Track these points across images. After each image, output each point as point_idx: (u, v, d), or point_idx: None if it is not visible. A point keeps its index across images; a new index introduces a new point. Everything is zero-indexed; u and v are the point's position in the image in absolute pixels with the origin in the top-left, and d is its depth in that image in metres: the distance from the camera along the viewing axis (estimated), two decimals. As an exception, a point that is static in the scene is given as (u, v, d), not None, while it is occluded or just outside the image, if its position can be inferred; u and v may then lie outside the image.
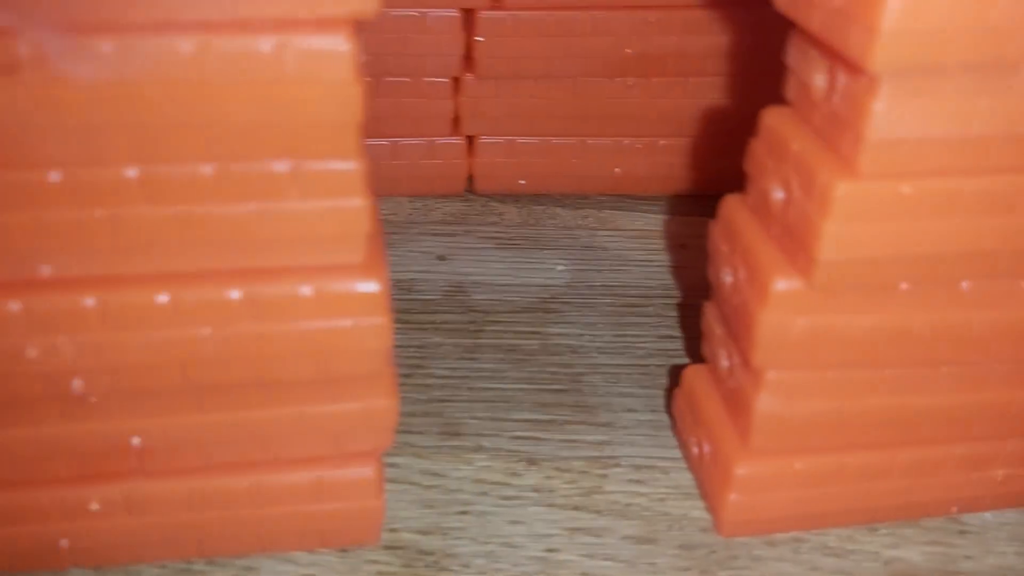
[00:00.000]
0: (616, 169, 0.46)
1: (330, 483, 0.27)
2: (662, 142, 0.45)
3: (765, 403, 0.26)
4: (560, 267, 0.41)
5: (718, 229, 0.28)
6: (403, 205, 0.45)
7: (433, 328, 0.37)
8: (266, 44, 0.20)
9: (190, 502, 0.26)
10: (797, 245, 0.24)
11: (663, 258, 0.42)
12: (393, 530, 0.29)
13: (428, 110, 0.43)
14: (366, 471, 0.27)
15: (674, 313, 0.39)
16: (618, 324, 0.38)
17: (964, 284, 0.25)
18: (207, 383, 0.24)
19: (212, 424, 0.25)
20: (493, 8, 0.40)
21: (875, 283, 0.24)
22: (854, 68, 0.22)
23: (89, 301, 0.22)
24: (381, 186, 0.44)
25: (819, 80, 0.23)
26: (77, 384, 0.23)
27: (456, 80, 0.43)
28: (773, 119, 0.25)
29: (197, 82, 0.20)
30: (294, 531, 0.27)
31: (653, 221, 0.45)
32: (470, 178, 0.46)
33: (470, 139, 0.45)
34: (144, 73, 0.20)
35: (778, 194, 0.25)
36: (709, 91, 0.44)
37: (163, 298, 0.23)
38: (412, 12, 0.40)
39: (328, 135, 0.21)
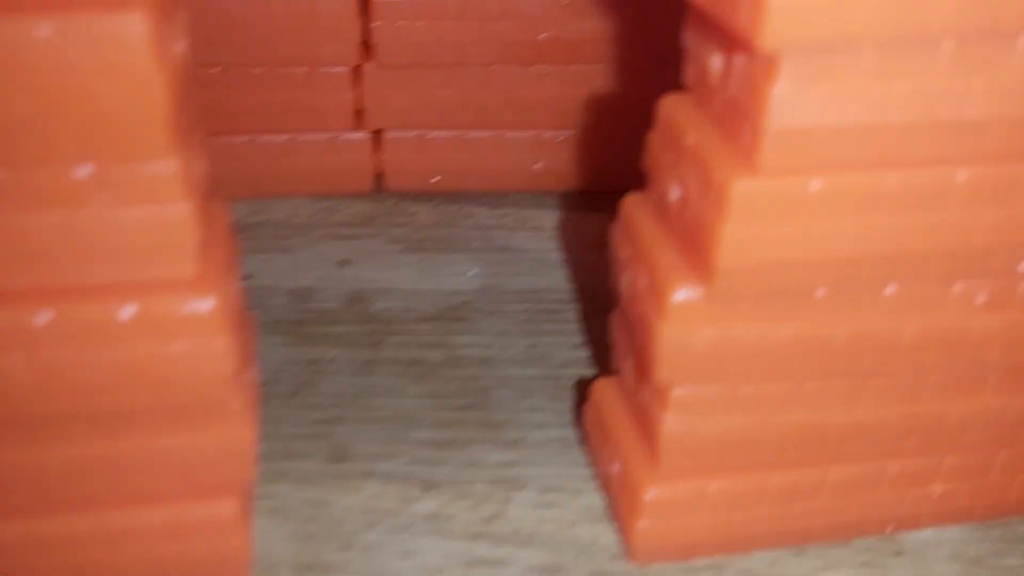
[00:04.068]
0: (537, 164, 0.43)
1: (186, 522, 0.24)
2: (585, 134, 0.42)
3: (672, 422, 0.23)
4: (472, 271, 0.38)
5: (618, 231, 0.25)
6: (305, 206, 0.42)
7: (329, 341, 0.34)
8: (44, 28, 0.17)
9: (25, 547, 0.23)
10: (696, 250, 0.21)
11: (586, 259, 0.39)
12: (267, 568, 0.26)
13: (327, 102, 0.40)
14: (226, 507, 0.24)
15: (594, 319, 0.36)
16: (532, 332, 0.35)
17: (888, 289, 0.22)
18: (27, 415, 0.21)
19: (42, 460, 0.22)
20: (391, -10, 0.37)
21: (786, 290, 0.21)
22: (748, 48, 0.19)
23: None
24: (280, 186, 0.42)
25: (715, 63, 0.21)
26: None
27: (356, 69, 0.39)
28: (670, 109, 0.22)
29: (-33, 72, 0.17)
30: (152, 575, 0.24)
31: (575, 218, 0.42)
32: (380, 176, 0.43)
33: (376, 133, 0.41)
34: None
35: (675, 193, 0.22)
36: (633, 78, 0.41)
37: (-43, 323, 0.19)
38: (304, -4, 0.37)
39: (132, 133, 0.18)
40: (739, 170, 0.19)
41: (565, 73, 0.40)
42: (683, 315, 0.22)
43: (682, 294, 0.21)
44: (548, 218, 0.42)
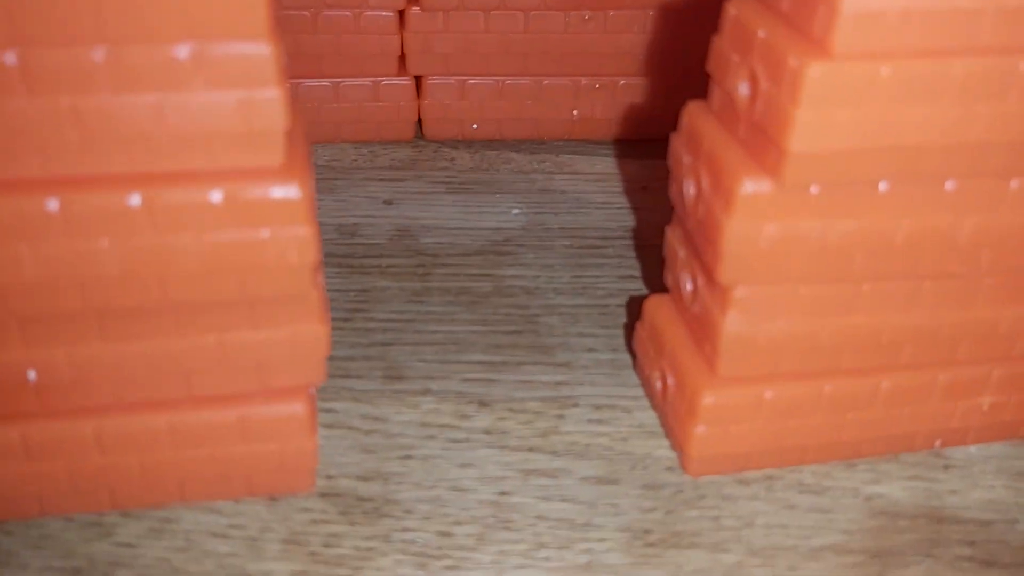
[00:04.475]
0: (574, 112, 0.43)
1: (256, 422, 0.24)
2: (622, 82, 0.43)
3: (733, 323, 0.24)
4: (515, 211, 0.39)
5: (680, 140, 0.26)
6: (347, 151, 0.42)
7: (378, 272, 0.35)
8: (155, -102, 0.17)
9: (98, 445, 0.24)
10: (766, 142, 0.22)
11: (624, 200, 0.40)
12: (329, 477, 0.26)
13: (372, 47, 0.40)
14: (296, 408, 0.24)
15: (634, 254, 0.36)
16: (577, 265, 0.36)
17: (949, 184, 0.23)
18: (108, 306, 0.22)
19: (118, 355, 0.23)
20: (438, -68, 0.38)
21: (851, 182, 0.22)
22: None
23: (-35, 208, 0.20)
24: (323, 131, 0.42)
25: (787, -45, 0.21)
26: (-43, 307, 0.21)
27: (401, 14, 0.40)
28: (737, 8, 0.23)
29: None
30: (217, 477, 0.25)
31: (613, 164, 0.42)
32: (419, 123, 0.43)
33: (418, 80, 0.42)
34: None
35: (744, 90, 0.22)
36: (670, 25, 0.41)
37: (52, 205, 0.20)
38: (352, -62, 0.38)
39: (233, 11, 0.19)
40: (814, 55, 0.20)
41: (606, 19, 0.41)
42: (750, 209, 0.22)
43: (751, 186, 0.22)
44: (586, 163, 0.42)
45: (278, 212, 0.21)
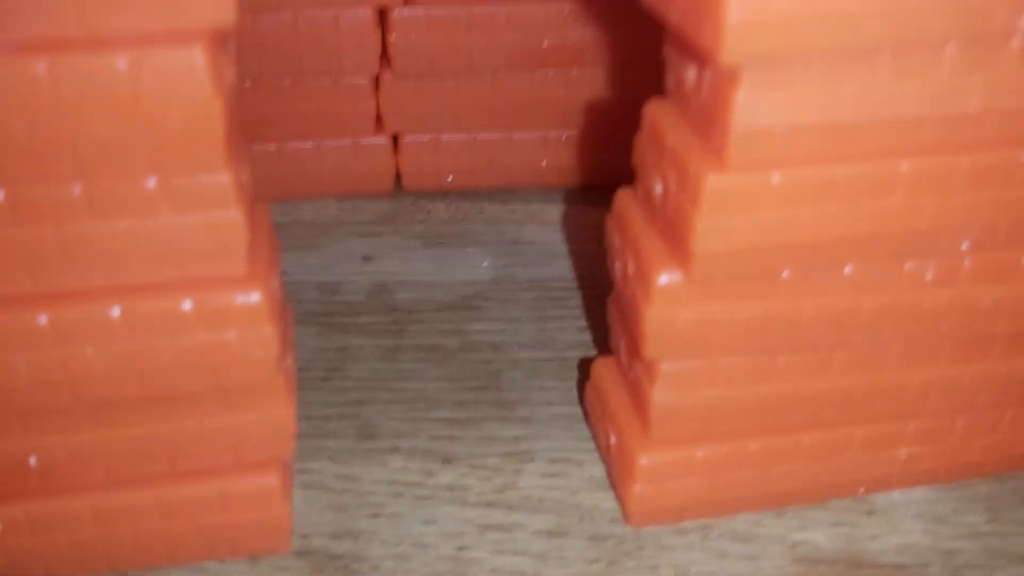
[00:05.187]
0: (543, 162, 0.46)
1: (234, 493, 0.27)
2: (587, 133, 0.45)
3: (661, 394, 0.27)
4: (486, 263, 0.41)
5: (612, 222, 0.28)
6: (330, 207, 0.45)
7: (356, 330, 0.37)
8: (121, 61, 0.20)
9: (95, 518, 0.26)
10: (677, 238, 0.24)
11: (590, 249, 0.42)
12: (305, 536, 0.29)
13: (350, 110, 0.43)
14: (269, 480, 0.27)
15: (596, 304, 0.39)
16: (541, 318, 0.38)
17: (847, 268, 0.25)
18: (99, 400, 0.24)
19: (110, 440, 0.25)
20: (406, 5, 0.40)
21: (756, 272, 0.24)
22: (713, 62, 0.22)
23: (-33, 324, 0.22)
24: (307, 188, 0.45)
25: (690, 74, 0.24)
26: (-37, 407, 0.23)
27: (376, 79, 0.43)
28: (653, 113, 0.25)
29: (54, 102, 0.20)
30: (202, 542, 0.28)
31: (580, 212, 0.45)
32: (398, 176, 0.46)
33: (395, 137, 0.45)
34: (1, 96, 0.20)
35: (659, 187, 0.25)
36: (627, 81, 0.44)
37: (43, 319, 0.23)
38: (326, 13, 0.40)
39: (193, 149, 0.21)
40: (711, 166, 0.23)
41: (567, 77, 0.43)
42: (667, 297, 0.25)
43: (665, 278, 0.24)
44: (554, 212, 0.45)
45: (242, 316, 0.24)
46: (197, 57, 0.20)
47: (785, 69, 0.22)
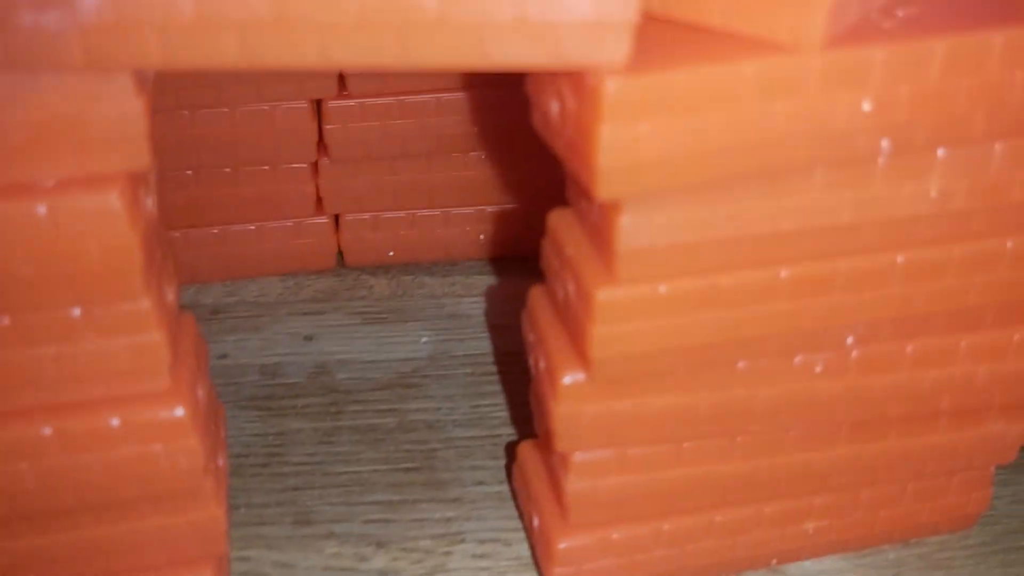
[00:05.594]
0: (481, 235, 0.47)
1: (171, 591, 0.28)
2: (523, 208, 0.47)
3: (575, 483, 0.28)
4: (424, 339, 0.43)
5: (525, 318, 0.30)
6: (274, 284, 0.46)
7: (294, 413, 0.39)
8: (41, 208, 0.21)
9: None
10: (578, 342, 0.26)
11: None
12: (241, 626, 0.30)
13: (290, 194, 0.44)
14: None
15: (529, 381, 0.40)
16: (475, 395, 0.40)
17: (740, 364, 0.27)
18: (33, 511, 0.26)
19: (47, 545, 0.27)
20: (340, 98, 0.42)
21: (652, 372, 0.26)
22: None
23: (-99, 449, 0.24)
24: (251, 267, 0.46)
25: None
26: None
27: (314, 164, 0.44)
28: (555, 222, 0.27)
29: (-21, 245, 0.22)
30: (141, 636, 0.29)
31: (517, 284, 0.46)
32: (340, 253, 0.47)
33: (336, 217, 0.46)
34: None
35: (561, 292, 0.27)
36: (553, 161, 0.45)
37: (-25, 439, 0.24)
38: (263, 106, 0.42)
39: (113, 281, 0.23)
40: (602, 280, 0.24)
41: (500, 156, 0.45)
42: (572, 395, 0.26)
43: (569, 378, 0.26)
44: (493, 284, 0.46)
45: (167, 430, 0.25)
46: (113, 201, 0.22)
47: (662, 197, 0.23)
